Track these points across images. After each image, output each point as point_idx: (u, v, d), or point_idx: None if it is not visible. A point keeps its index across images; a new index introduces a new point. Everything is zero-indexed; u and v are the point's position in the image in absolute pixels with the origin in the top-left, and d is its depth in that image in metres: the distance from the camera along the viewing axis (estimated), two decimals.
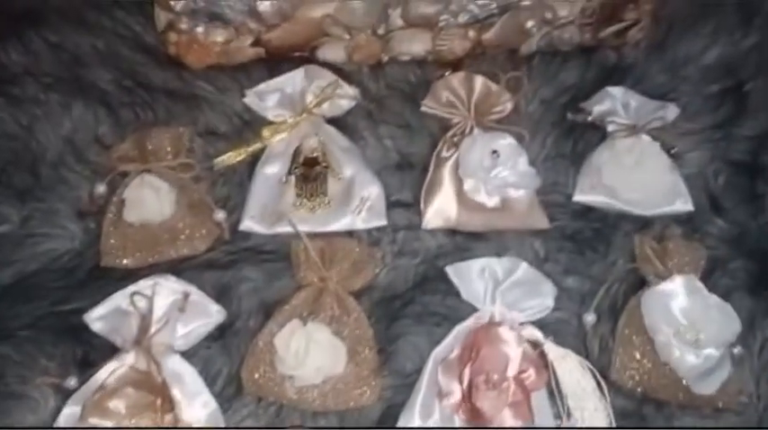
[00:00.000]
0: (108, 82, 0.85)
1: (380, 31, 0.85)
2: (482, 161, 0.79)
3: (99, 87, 0.85)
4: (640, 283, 0.76)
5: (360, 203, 0.78)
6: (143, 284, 0.71)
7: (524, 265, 0.74)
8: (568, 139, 0.85)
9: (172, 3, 0.80)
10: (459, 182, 0.79)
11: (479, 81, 0.84)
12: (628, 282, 0.76)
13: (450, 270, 0.75)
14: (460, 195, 0.78)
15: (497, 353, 0.67)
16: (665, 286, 0.73)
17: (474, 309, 0.73)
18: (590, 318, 0.74)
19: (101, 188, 0.77)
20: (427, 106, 0.83)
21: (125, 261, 0.74)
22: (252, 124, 0.84)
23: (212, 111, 0.85)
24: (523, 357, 0.68)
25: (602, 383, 0.69)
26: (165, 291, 0.71)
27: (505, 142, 0.80)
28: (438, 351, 0.71)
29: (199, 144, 0.82)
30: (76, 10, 0.90)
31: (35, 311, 0.72)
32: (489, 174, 0.78)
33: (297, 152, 0.81)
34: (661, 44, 0.93)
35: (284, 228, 0.77)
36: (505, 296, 0.73)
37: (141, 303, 0.70)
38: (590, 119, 0.85)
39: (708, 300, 0.72)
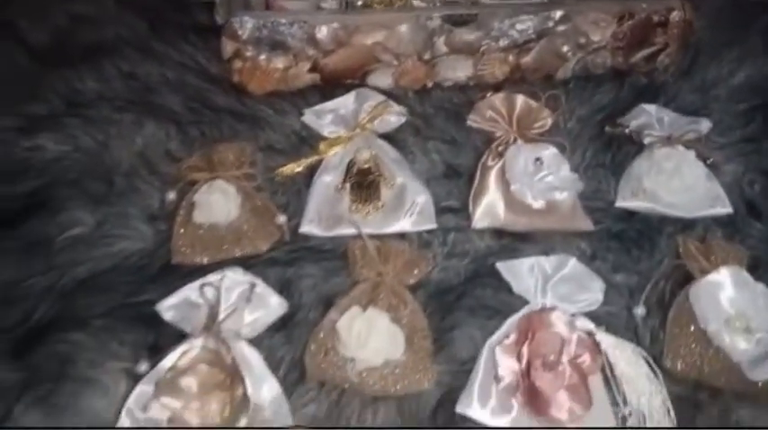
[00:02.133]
0: (177, 104, 0.93)
1: (426, 57, 0.93)
2: (526, 168, 0.84)
3: (169, 109, 0.92)
4: (686, 279, 0.78)
5: (411, 207, 0.83)
6: (212, 277, 0.75)
7: (573, 261, 0.77)
8: (607, 152, 0.90)
9: (239, 32, 0.88)
10: (505, 186, 0.83)
11: (520, 99, 0.90)
12: (674, 279, 0.78)
13: (500, 266, 0.78)
14: (507, 196, 0.82)
15: (552, 336, 0.69)
16: (712, 277, 0.75)
17: (525, 302, 0.76)
18: (640, 310, 0.76)
19: (171, 195, 0.83)
20: (472, 120, 0.89)
21: (194, 258, 0.79)
22: (308, 140, 0.90)
23: (272, 130, 0.91)
24: (578, 342, 0.70)
25: (656, 369, 0.70)
26: (232, 283, 0.74)
27: (548, 152, 0.85)
28: (492, 340, 0.73)
29: (260, 158, 0.88)
30: (146, 43, 0.99)
31: (108, 302, 0.75)
32: (534, 178, 0.83)
33: (351, 164, 0.86)
34: (689, 69, 0.99)
35: (341, 231, 0.81)
36: (556, 290, 0.75)
37: (210, 294, 0.74)
38: (627, 131, 0.90)
39: (755, 289, 0.74)
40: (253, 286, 0.74)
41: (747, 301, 0.74)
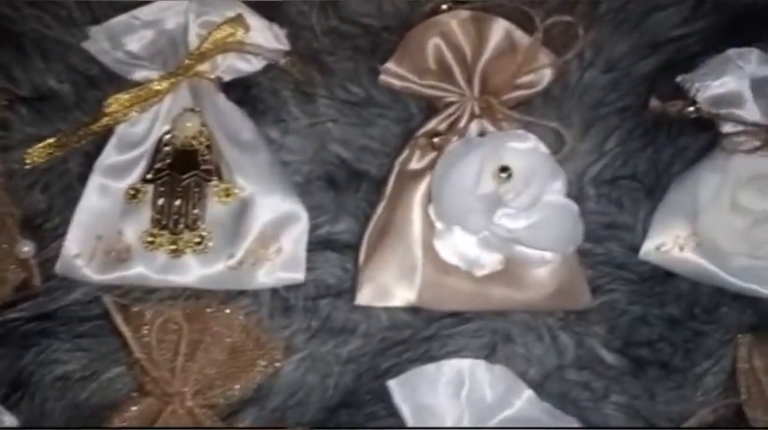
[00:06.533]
0: None
1: None
2: (476, 186, 0.44)
3: None
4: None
5: None
6: None
7: (528, 396, 0.42)
8: (644, 147, 0.49)
9: None
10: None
11: (499, 27, 0.48)
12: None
13: (395, 386, 0.44)
14: (430, 251, 0.44)
15: None
16: None
17: None
18: None
19: None
20: (389, 75, 0.47)
21: None
22: (101, 84, 0.50)
23: (41, 56, 0.51)
24: None
25: None
26: None
27: (525, 149, 0.44)
28: None
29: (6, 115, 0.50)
30: None
31: None
32: (491, 215, 0.43)
33: (163, 142, 0.49)
34: None
35: (129, 272, 0.46)
36: None
37: None
38: (691, 109, 0.48)
39: None
40: None
41: None
